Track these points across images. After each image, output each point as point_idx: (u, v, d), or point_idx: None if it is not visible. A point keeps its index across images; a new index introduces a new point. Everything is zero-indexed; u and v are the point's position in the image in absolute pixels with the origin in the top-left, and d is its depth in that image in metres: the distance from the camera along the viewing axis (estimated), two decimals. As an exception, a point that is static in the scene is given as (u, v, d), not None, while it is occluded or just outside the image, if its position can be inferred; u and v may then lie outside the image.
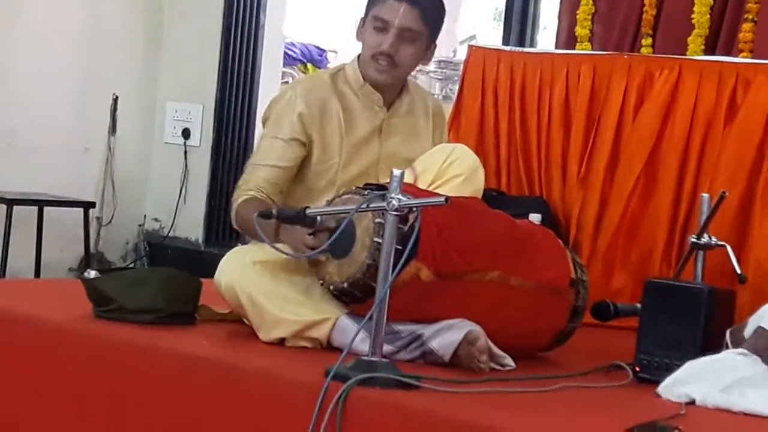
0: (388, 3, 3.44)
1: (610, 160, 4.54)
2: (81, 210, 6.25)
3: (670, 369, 3.01)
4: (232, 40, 6.75)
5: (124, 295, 3.29)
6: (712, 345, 3.11)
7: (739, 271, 3.55)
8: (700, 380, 2.91)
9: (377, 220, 2.90)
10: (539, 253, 3.39)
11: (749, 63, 4.45)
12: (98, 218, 6.61)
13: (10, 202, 5.94)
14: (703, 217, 3.56)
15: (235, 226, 3.51)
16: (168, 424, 2.97)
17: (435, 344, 3.08)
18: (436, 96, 4.83)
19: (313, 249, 3.05)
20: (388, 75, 3.50)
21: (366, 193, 2.98)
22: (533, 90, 4.78)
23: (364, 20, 3.52)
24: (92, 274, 3.44)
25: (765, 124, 4.21)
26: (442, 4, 3.62)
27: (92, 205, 6.38)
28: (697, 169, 4.34)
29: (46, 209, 6.22)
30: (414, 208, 2.81)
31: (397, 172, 2.77)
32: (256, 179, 3.45)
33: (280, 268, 3.24)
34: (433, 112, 3.73)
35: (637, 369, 3.16)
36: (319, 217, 3.01)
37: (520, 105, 4.82)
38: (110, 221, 6.69)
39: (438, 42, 3.64)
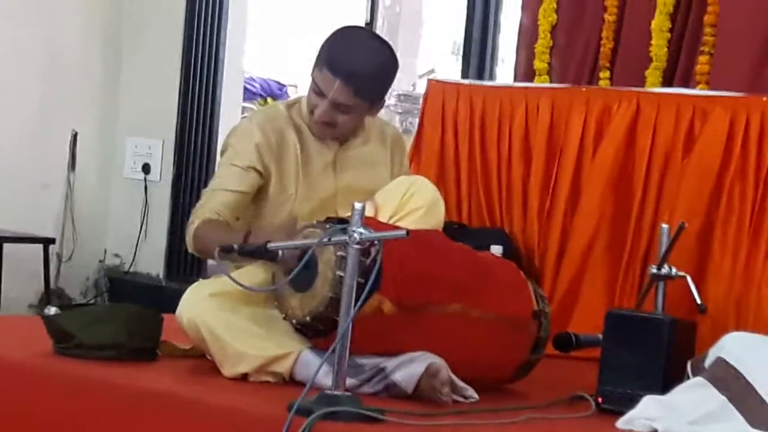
0: (324, 73, 3.41)
1: (570, 192, 4.56)
2: (41, 246, 6.23)
3: (632, 400, 3.02)
4: (191, 75, 6.75)
5: (85, 332, 3.28)
6: (673, 375, 3.13)
7: (699, 302, 3.58)
8: (662, 416, 2.93)
9: (339, 253, 2.90)
10: (501, 285, 3.40)
11: (706, 95, 4.49)
12: (58, 254, 6.58)
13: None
14: (663, 248, 3.58)
15: (190, 250, 3.49)
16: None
17: (398, 377, 3.07)
18: (398, 129, 4.85)
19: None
20: (326, 135, 3.52)
21: (328, 226, 2.99)
22: (493, 123, 4.80)
23: (312, 72, 3.51)
24: (52, 310, 3.42)
25: (722, 155, 4.25)
26: (383, 74, 3.57)
27: (52, 241, 6.36)
28: (657, 201, 4.38)
29: (5, 245, 6.19)
30: (375, 242, 2.82)
31: (358, 205, 2.77)
32: (214, 203, 3.44)
33: (240, 301, 3.23)
34: (391, 141, 3.73)
35: (600, 400, 3.18)
36: (280, 252, 3.01)
37: (480, 138, 4.84)
38: (70, 257, 6.67)
39: (397, 77, 3.64)
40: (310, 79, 3.53)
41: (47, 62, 6.54)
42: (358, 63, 3.46)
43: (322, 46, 3.50)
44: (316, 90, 3.44)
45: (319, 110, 3.43)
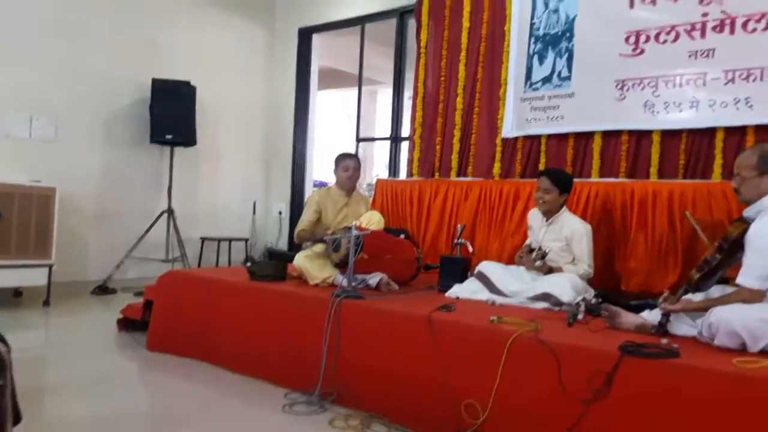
0: (346, 162, 3.43)
1: (426, 217, 4.51)
2: (244, 242, 6.17)
3: (450, 286, 3.05)
4: (295, 179, 6.71)
5: (259, 270, 3.26)
6: (465, 277, 3.16)
7: (471, 250, 3.55)
8: (460, 292, 2.96)
9: (348, 238, 2.91)
10: (404, 248, 3.42)
11: (470, 180, 4.42)
12: (250, 244, 6.50)
13: (219, 240, 5.87)
14: (459, 234, 3.60)
15: (295, 240, 3.44)
16: (276, 317, 2.91)
17: (370, 282, 3.08)
18: (367, 195, 4.83)
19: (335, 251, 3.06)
20: (351, 188, 3.50)
21: (344, 230, 3.00)
22: (402, 194, 4.75)
23: (336, 168, 3.51)
24: (248, 264, 3.40)
25: (477, 200, 4.21)
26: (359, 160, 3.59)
27: (248, 239, 6.30)
28: (457, 216, 4.38)
29: (232, 243, 6.13)
30: (360, 235, 2.84)
31: (355, 222, 2.81)
32: (303, 224, 3.39)
33: (315, 257, 3.21)
34: (364, 200, 3.67)
35: (440, 287, 3.19)
36: (328, 239, 3.02)
37: (395, 199, 4.78)
38: (254, 245, 6.60)
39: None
40: (336, 175, 3.51)
41: (245, 176, 6.50)
42: (355, 156, 3.50)
43: (339, 157, 3.51)
44: (345, 172, 3.41)
45: (352, 179, 3.42)
